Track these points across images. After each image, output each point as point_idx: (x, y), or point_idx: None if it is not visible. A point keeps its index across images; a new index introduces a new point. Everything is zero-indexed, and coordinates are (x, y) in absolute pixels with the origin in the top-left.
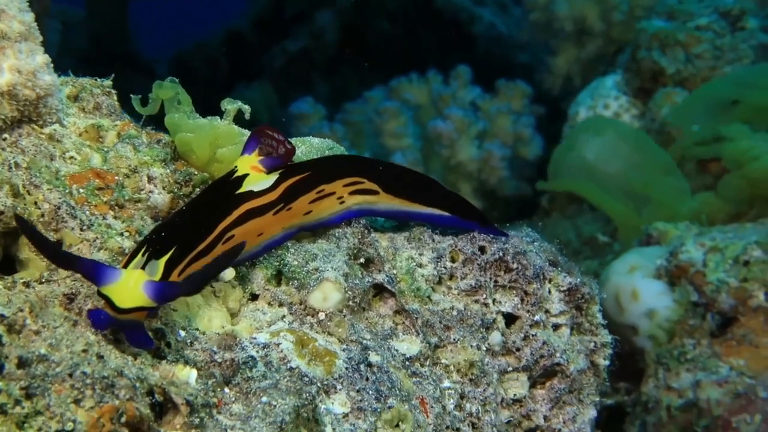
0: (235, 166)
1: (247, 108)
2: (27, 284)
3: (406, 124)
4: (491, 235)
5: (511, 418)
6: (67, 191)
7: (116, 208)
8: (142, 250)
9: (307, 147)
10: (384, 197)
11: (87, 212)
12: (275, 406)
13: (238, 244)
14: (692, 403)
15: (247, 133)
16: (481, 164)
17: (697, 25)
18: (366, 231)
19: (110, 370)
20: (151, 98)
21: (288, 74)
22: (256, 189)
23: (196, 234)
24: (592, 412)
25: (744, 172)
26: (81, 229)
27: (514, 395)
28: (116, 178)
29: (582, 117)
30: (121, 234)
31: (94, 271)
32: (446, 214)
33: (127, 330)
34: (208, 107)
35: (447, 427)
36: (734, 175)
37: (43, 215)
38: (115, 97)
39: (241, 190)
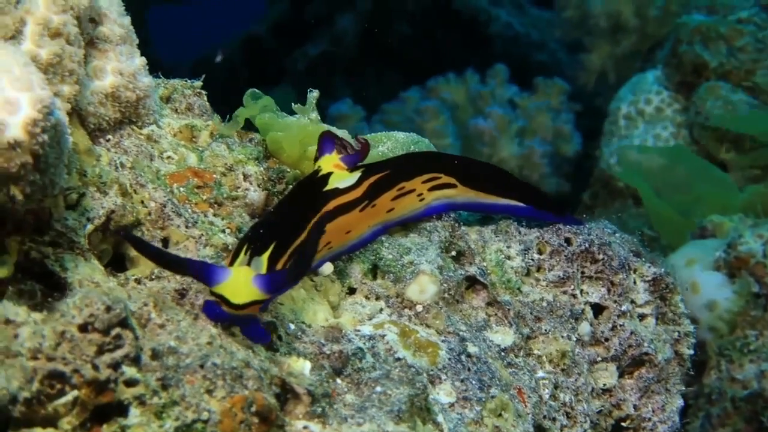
0: (319, 166)
1: (315, 94)
2: (138, 281)
3: (446, 123)
4: (569, 225)
5: (602, 408)
6: (168, 190)
7: (215, 205)
8: (244, 248)
9: (393, 142)
10: (462, 190)
11: (189, 210)
12: (390, 395)
13: (318, 224)
14: (757, 393)
15: (337, 132)
16: (523, 161)
17: (739, 18)
18: (456, 224)
19: (238, 361)
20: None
21: (309, 78)
22: (341, 186)
23: (293, 230)
24: (679, 401)
25: None
26: (186, 227)
27: (604, 385)
28: (214, 176)
29: (624, 112)
30: (223, 231)
31: (204, 272)
32: (522, 204)
33: (243, 325)
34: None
35: (544, 417)
36: None
37: (150, 213)
38: (206, 98)
39: (328, 188)
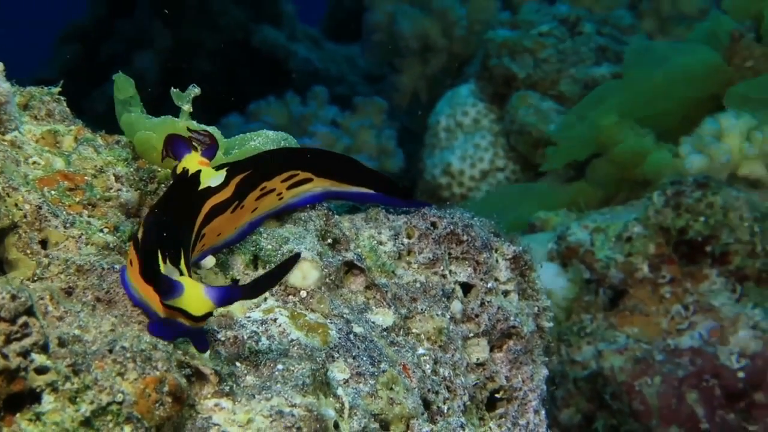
0: (184, 167)
1: (197, 91)
2: (21, 283)
3: None
4: (415, 208)
5: (477, 381)
6: (40, 194)
7: (89, 207)
8: (160, 257)
9: (263, 139)
10: (318, 182)
11: (64, 212)
12: (293, 371)
13: (296, 254)
14: (596, 373)
15: (206, 128)
16: None
17: (540, 32)
18: (330, 213)
19: (146, 343)
20: (117, 98)
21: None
22: (213, 185)
23: (187, 235)
24: (544, 371)
25: (610, 156)
26: (65, 227)
27: (477, 359)
28: (85, 178)
29: (443, 125)
30: (101, 230)
31: (172, 287)
32: (371, 191)
33: (194, 337)
34: None
35: (428, 390)
36: (601, 159)
37: (25, 216)
38: (65, 104)
39: (201, 186)
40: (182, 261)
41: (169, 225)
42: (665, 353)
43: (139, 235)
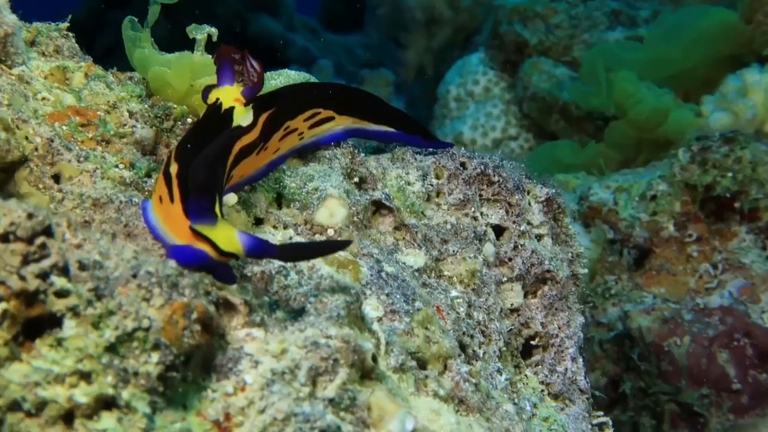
0: (218, 99)
1: (214, 31)
2: None
3: None
4: (436, 147)
5: (512, 327)
6: (51, 128)
7: (103, 143)
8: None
9: (285, 78)
10: (340, 120)
11: (77, 147)
12: (326, 303)
13: (348, 240)
14: (623, 334)
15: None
16: None
17: None
18: (355, 151)
19: (171, 269)
20: (127, 36)
21: None
22: (243, 124)
23: (220, 177)
24: (580, 318)
25: (628, 117)
26: (78, 161)
27: (512, 305)
28: (98, 113)
29: (453, 95)
30: (117, 166)
31: (203, 208)
32: (392, 130)
33: (220, 275)
34: None
35: (463, 333)
36: (620, 121)
37: (36, 149)
38: (74, 40)
39: (234, 125)
40: (217, 205)
41: (209, 165)
42: (694, 312)
43: (172, 170)
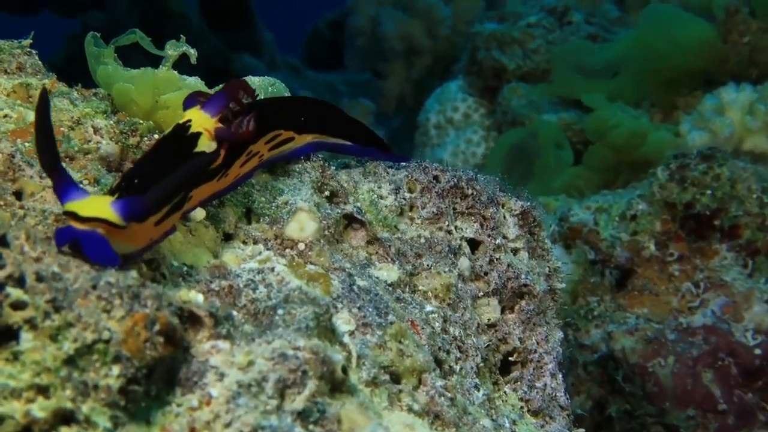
0: (189, 120)
1: (193, 52)
2: None
3: None
4: (393, 161)
5: (489, 343)
6: (12, 144)
7: (67, 159)
8: (116, 195)
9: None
10: (299, 139)
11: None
12: (295, 314)
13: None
14: (607, 356)
15: (188, 79)
16: None
17: (528, 23)
18: (325, 164)
19: (133, 279)
20: (90, 53)
21: None
22: (207, 151)
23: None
24: (559, 333)
25: (607, 141)
26: (41, 177)
27: (488, 320)
28: (62, 129)
29: (433, 122)
30: (81, 182)
31: (66, 185)
32: (348, 143)
33: (88, 243)
34: None
35: (439, 348)
36: (598, 144)
37: None
38: (37, 57)
39: (197, 149)
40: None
41: (143, 171)
42: (677, 332)
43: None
